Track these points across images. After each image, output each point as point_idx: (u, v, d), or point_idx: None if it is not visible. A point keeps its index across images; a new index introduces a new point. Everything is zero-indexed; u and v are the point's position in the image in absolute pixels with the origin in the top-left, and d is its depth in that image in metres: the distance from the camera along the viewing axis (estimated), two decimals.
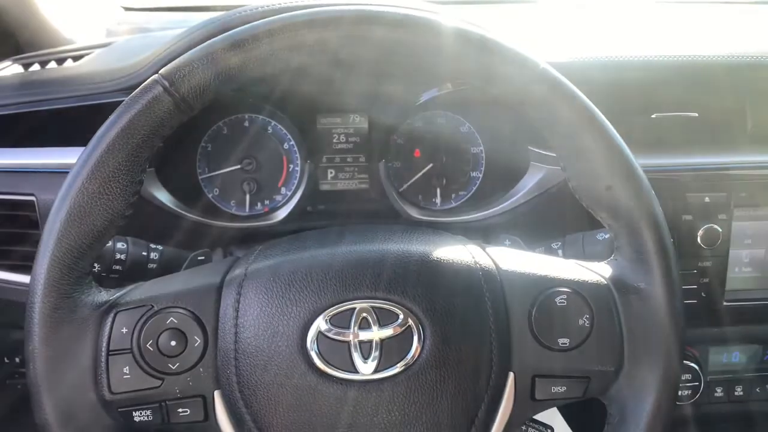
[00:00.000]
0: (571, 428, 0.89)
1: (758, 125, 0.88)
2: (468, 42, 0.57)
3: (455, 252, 0.61)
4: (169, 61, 0.56)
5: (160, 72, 0.56)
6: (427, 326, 0.57)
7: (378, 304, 0.57)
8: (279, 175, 0.99)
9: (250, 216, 0.97)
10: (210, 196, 0.98)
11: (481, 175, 1.01)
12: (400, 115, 0.98)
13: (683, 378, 0.92)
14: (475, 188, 1.01)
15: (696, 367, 0.92)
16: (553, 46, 0.89)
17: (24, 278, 0.84)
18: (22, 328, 0.57)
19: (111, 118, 0.56)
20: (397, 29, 0.55)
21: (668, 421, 0.59)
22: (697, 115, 0.87)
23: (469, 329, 0.58)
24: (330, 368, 0.56)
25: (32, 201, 0.82)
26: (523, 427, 0.69)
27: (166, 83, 0.55)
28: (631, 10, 1.23)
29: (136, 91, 0.56)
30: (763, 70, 0.87)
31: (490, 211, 0.93)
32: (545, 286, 0.60)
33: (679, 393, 0.92)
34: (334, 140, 1.00)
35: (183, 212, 0.89)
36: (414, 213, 0.96)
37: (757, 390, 0.96)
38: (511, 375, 0.60)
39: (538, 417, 0.68)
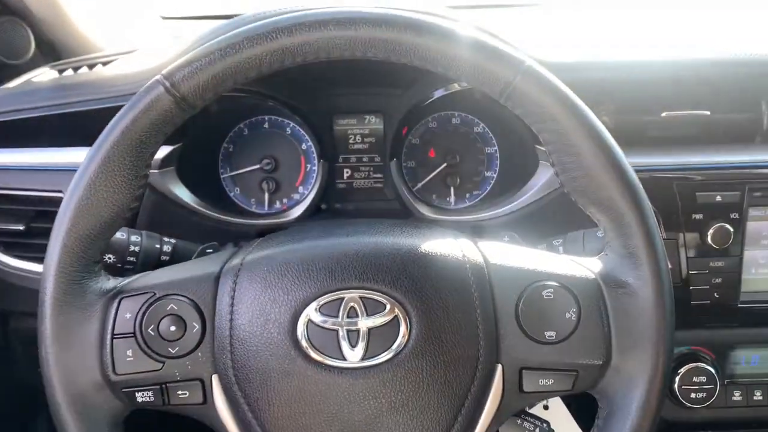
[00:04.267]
0: (576, 420, 0.88)
1: None
2: (455, 41, 0.58)
3: (444, 245, 0.62)
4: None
5: (161, 73, 0.59)
6: (413, 317, 0.59)
7: (365, 294, 0.59)
8: (297, 175, 1.02)
9: (268, 213, 1.01)
10: (231, 195, 1.02)
11: (495, 175, 1.02)
12: (415, 115, 1.00)
13: (698, 381, 0.90)
14: (489, 188, 1.02)
15: (712, 369, 0.90)
16: (561, 48, 0.89)
17: None
18: None
19: (116, 117, 0.60)
20: (382, 29, 0.57)
21: (657, 414, 0.59)
22: (709, 113, 0.86)
23: (455, 321, 0.59)
24: (319, 355, 0.58)
25: (60, 197, 0.88)
26: (519, 421, 0.69)
27: (167, 84, 0.58)
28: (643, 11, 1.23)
29: (139, 91, 0.60)
30: None
31: (501, 209, 0.94)
32: (532, 279, 0.61)
33: (694, 396, 0.91)
34: (350, 141, 1.02)
35: (203, 210, 0.93)
36: (427, 212, 0.97)
37: None
38: (499, 367, 0.61)
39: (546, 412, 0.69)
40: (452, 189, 1.02)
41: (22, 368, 1.00)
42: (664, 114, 0.86)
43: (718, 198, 0.83)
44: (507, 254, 0.63)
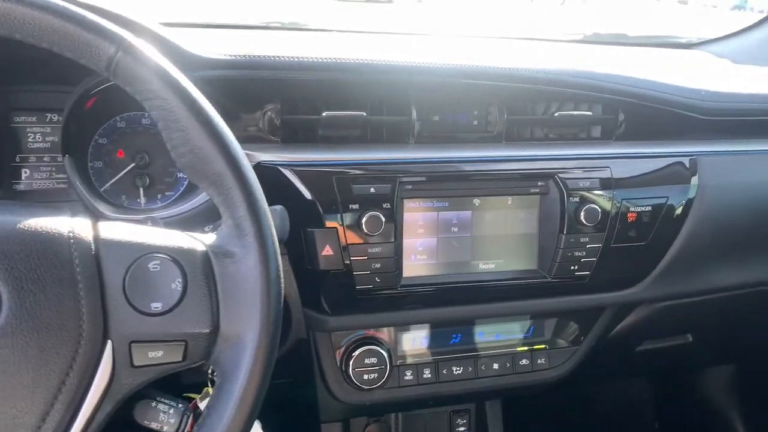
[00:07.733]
0: None
1: (422, 126, 0.98)
2: (60, 14, 0.58)
3: (50, 224, 0.61)
4: None
5: None
6: (3, 294, 0.56)
7: None
8: None
9: None
10: None
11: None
12: (100, 113, 0.98)
13: (369, 362, 0.97)
14: (183, 188, 1.03)
15: (383, 352, 0.98)
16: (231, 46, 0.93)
17: None
18: None
19: None
20: None
21: (267, 373, 0.62)
22: (365, 114, 0.94)
23: (53, 297, 0.58)
24: None
25: None
26: (153, 404, 0.69)
27: None
28: None
29: None
30: (424, 74, 0.96)
31: (188, 204, 0.94)
32: (140, 252, 0.62)
33: (366, 377, 0.97)
34: (30, 139, 0.97)
35: None
36: (112, 213, 0.95)
37: (444, 372, 1.03)
38: (110, 342, 0.60)
39: None
40: (141, 190, 1.01)
41: None
42: (324, 114, 0.93)
43: (372, 190, 0.90)
44: (120, 230, 0.64)
